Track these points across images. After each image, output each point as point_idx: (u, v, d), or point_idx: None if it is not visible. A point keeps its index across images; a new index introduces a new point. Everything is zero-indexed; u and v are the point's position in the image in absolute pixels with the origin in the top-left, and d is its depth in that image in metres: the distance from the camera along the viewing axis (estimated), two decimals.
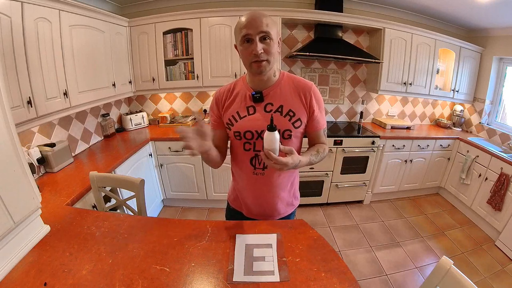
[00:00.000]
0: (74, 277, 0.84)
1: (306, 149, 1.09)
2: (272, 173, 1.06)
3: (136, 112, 2.95)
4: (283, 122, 0.99)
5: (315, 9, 2.61)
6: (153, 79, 2.64)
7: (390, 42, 2.67)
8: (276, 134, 0.84)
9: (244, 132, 1.01)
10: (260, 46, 0.87)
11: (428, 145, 2.88)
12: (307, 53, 2.43)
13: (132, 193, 1.42)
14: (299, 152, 1.08)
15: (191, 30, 2.50)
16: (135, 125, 2.87)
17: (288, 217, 1.22)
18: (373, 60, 2.62)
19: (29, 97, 1.42)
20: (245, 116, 1.02)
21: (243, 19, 0.89)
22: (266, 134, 0.84)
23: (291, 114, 1.00)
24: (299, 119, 1.01)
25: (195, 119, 3.02)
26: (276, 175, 1.07)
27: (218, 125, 1.10)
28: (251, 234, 1.05)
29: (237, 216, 1.23)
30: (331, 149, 2.64)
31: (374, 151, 2.73)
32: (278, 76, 1.03)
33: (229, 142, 1.15)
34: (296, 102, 1.00)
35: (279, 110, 1.00)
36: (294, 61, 2.98)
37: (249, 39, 0.88)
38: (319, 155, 1.04)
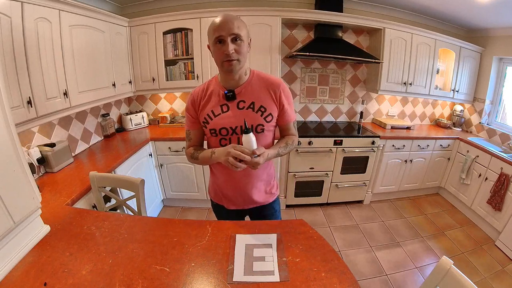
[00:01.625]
0: (74, 277, 0.84)
1: (277, 140, 1.21)
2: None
3: (136, 112, 2.95)
4: (255, 117, 1.07)
5: (315, 9, 2.61)
6: (153, 79, 2.64)
7: (390, 42, 2.67)
8: (252, 136, 0.95)
9: (219, 129, 1.08)
10: (231, 47, 0.94)
11: (428, 145, 2.88)
12: (307, 53, 2.43)
13: (132, 193, 1.42)
14: (272, 144, 1.17)
15: (191, 30, 2.50)
16: (135, 125, 2.86)
17: (271, 204, 1.27)
18: (373, 60, 2.62)
19: (29, 97, 1.42)
20: (219, 114, 1.08)
21: (215, 21, 0.95)
22: (244, 137, 0.95)
23: (263, 109, 1.07)
24: (270, 114, 1.08)
25: None
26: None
27: (194, 124, 1.17)
28: (251, 234, 1.05)
29: (221, 209, 1.28)
30: (330, 149, 2.64)
31: (374, 151, 2.73)
32: (248, 75, 1.10)
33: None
34: (267, 98, 1.08)
35: (251, 106, 1.07)
36: (294, 61, 2.98)
37: (221, 40, 0.95)
38: (288, 147, 1.16)
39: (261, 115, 1.07)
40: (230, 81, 1.06)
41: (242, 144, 1.00)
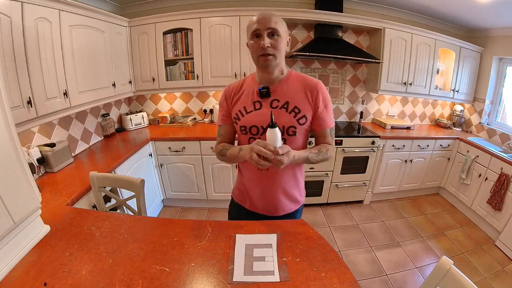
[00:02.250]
0: (74, 277, 0.84)
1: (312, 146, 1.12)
2: (276, 169, 1.05)
3: (136, 112, 2.95)
4: (288, 118, 1.02)
5: (315, 9, 2.61)
6: (153, 79, 2.64)
7: (390, 42, 2.67)
8: (277, 131, 0.88)
9: (250, 126, 1.04)
10: (267, 41, 0.93)
11: (428, 145, 2.88)
12: (307, 53, 2.42)
13: (132, 193, 1.42)
14: (303, 149, 1.09)
15: (191, 30, 2.50)
16: (135, 125, 2.86)
17: (293, 214, 1.21)
18: (373, 60, 2.62)
19: (29, 97, 1.42)
20: (252, 111, 1.05)
21: (254, 17, 0.95)
22: (268, 131, 0.88)
23: (296, 110, 1.02)
24: (304, 116, 1.03)
25: (194, 119, 3.03)
26: (281, 171, 1.08)
27: (227, 119, 1.14)
28: (251, 234, 1.05)
29: (241, 211, 1.23)
30: None
31: (374, 151, 2.73)
32: (286, 74, 1.06)
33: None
34: (302, 99, 1.03)
35: (285, 106, 1.03)
36: (294, 61, 2.98)
37: (258, 34, 0.94)
38: (320, 155, 1.05)
39: (294, 117, 1.02)
40: (266, 79, 1.03)
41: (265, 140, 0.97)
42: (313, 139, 1.14)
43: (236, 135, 1.16)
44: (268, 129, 0.88)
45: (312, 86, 1.03)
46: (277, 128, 0.88)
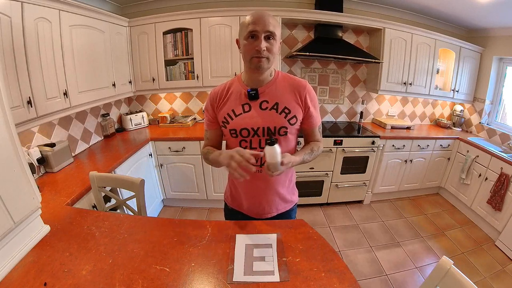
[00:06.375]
0: (74, 277, 0.84)
1: (301, 145, 1.12)
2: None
3: (136, 112, 2.95)
4: (279, 119, 1.02)
5: (315, 9, 2.61)
6: (153, 79, 2.64)
7: (390, 42, 2.67)
8: (277, 147, 0.86)
9: (240, 129, 1.03)
10: (264, 44, 0.91)
11: (428, 145, 2.88)
12: (307, 53, 2.43)
13: (132, 193, 1.42)
14: (295, 148, 1.11)
15: (191, 30, 2.50)
16: (135, 125, 2.87)
17: (288, 213, 1.22)
18: (373, 60, 2.62)
19: (29, 97, 1.42)
20: (241, 114, 1.03)
21: (251, 16, 0.93)
22: (267, 148, 0.87)
23: (287, 111, 1.02)
24: (294, 116, 1.03)
25: (194, 118, 3.03)
26: None
27: (213, 124, 1.13)
28: (251, 234, 1.05)
29: (237, 215, 1.22)
30: (331, 149, 2.64)
31: (374, 151, 2.73)
32: (273, 75, 1.06)
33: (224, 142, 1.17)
34: (291, 100, 1.03)
35: (275, 107, 1.02)
36: (294, 61, 2.98)
37: (254, 35, 0.92)
38: (313, 154, 1.08)
39: (285, 117, 1.01)
40: (255, 80, 1.02)
41: (259, 139, 0.98)
42: (301, 139, 1.15)
43: (224, 138, 1.15)
44: (267, 146, 0.86)
45: (300, 86, 1.04)
46: (277, 145, 0.87)
